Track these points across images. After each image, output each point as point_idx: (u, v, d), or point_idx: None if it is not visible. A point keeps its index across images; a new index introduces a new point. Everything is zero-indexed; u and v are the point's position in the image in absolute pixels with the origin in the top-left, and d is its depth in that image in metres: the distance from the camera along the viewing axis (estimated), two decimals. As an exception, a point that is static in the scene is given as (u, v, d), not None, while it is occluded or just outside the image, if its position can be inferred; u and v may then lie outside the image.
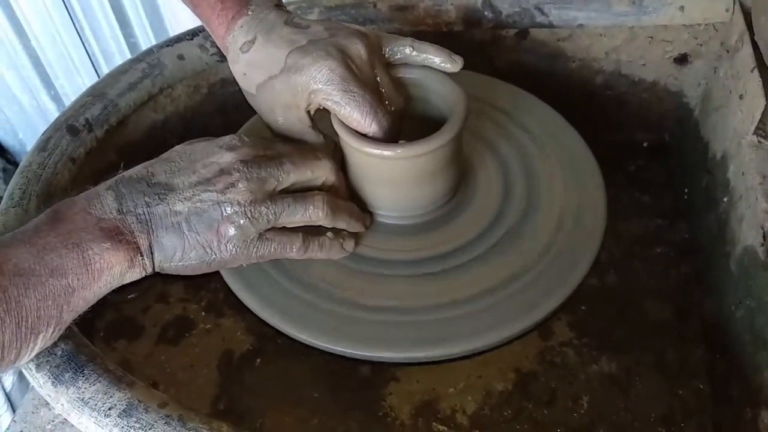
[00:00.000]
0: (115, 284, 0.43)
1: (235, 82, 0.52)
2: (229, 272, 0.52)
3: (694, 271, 0.60)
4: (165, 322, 0.60)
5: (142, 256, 0.43)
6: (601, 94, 0.70)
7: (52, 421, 0.53)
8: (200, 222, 0.43)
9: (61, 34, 1.13)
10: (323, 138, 0.52)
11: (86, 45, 1.15)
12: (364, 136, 0.48)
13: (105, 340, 0.59)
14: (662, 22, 0.64)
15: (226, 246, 0.44)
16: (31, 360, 0.41)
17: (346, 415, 0.53)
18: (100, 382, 0.40)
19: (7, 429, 0.54)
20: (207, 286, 0.62)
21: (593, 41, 0.66)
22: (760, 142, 0.52)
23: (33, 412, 0.54)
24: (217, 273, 0.53)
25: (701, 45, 0.65)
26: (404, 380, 0.54)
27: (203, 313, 0.60)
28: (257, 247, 0.45)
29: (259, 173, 0.45)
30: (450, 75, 0.52)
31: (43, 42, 1.14)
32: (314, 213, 0.47)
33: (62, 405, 0.40)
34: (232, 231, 0.44)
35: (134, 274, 0.43)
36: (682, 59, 0.66)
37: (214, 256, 0.44)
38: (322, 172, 0.48)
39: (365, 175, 0.52)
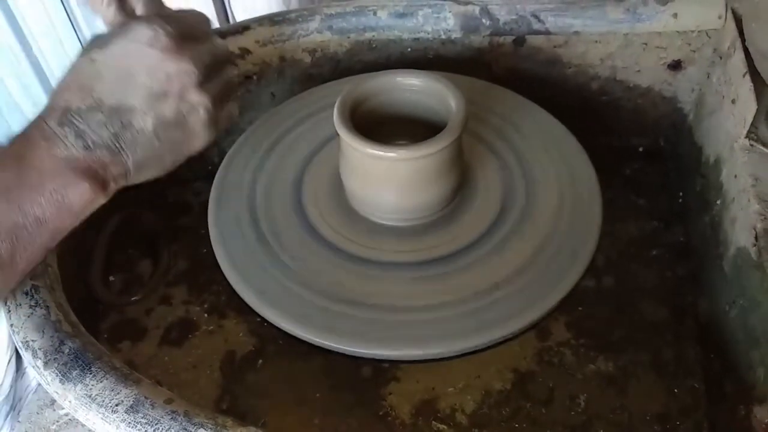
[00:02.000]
0: (89, 212, 0.44)
1: (236, 88, 0.53)
2: (232, 274, 0.52)
3: (689, 273, 0.61)
4: (168, 324, 0.61)
5: (116, 182, 0.44)
6: (596, 99, 0.71)
7: (57, 421, 0.54)
8: (170, 130, 0.45)
9: (63, 42, 1.13)
10: None
11: (88, 53, 1.16)
12: (366, 138, 0.49)
13: (109, 342, 0.60)
14: (656, 29, 0.65)
15: (200, 137, 0.47)
16: (38, 358, 0.42)
17: (348, 415, 0.53)
18: (107, 379, 0.40)
19: (12, 430, 0.54)
20: (209, 288, 0.63)
21: (589, 48, 0.67)
22: (751, 145, 0.54)
23: (37, 413, 0.54)
24: (220, 275, 0.53)
25: (694, 51, 0.66)
26: (404, 380, 0.55)
27: (206, 315, 0.61)
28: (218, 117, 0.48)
29: (198, 67, 0.45)
30: (449, 80, 0.53)
31: (45, 50, 1.15)
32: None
33: (70, 402, 0.41)
34: (199, 126, 0.46)
35: (107, 198, 0.45)
36: (675, 65, 0.67)
37: (188, 150, 0.47)
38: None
39: (367, 177, 0.53)
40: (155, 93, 0.44)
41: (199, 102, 0.45)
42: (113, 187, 0.44)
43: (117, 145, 0.43)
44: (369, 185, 0.53)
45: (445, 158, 0.51)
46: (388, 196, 0.53)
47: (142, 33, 0.43)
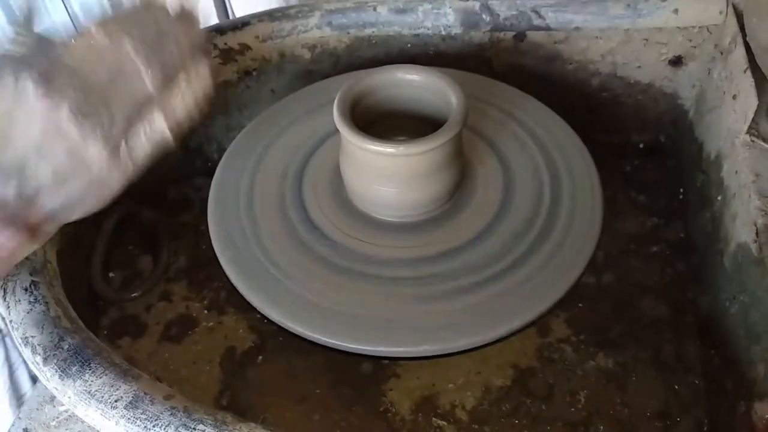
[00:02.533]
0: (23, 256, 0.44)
1: (236, 84, 0.52)
2: (232, 270, 0.52)
3: (689, 269, 0.61)
4: (168, 320, 0.61)
5: (45, 225, 0.43)
6: (597, 95, 0.71)
7: (57, 417, 0.54)
8: (68, 176, 0.42)
9: (62, 38, 1.13)
10: None
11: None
12: (366, 134, 0.49)
13: (109, 339, 0.60)
14: (657, 24, 0.65)
15: (110, 179, 0.43)
16: (38, 353, 0.42)
17: (348, 411, 0.53)
18: (106, 375, 0.40)
19: (12, 425, 0.54)
20: (209, 285, 0.63)
21: (590, 43, 0.67)
22: (752, 141, 0.53)
23: (38, 409, 0.54)
24: (220, 271, 0.53)
25: (695, 47, 0.66)
26: (405, 376, 0.55)
27: (206, 311, 0.61)
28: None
29: (69, 97, 0.40)
30: (449, 75, 0.53)
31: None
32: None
33: (69, 398, 0.41)
34: (102, 165, 0.42)
35: (42, 242, 0.44)
36: (676, 61, 0.67)
37: (107, 187, 0.44)
38: None
39: (367, 173, 0.52)
40: (38, 144, 0.40)
41: (79, 137, 0.40)
42: (46, 230, 0.43)
43: (25, 195, 0.41)
44: (369, 181, 0.53)
45: (446, 154, 0.51)
46: (388, 192, 0.53)
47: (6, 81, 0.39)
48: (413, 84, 0.54)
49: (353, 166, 0.53)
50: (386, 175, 0.52)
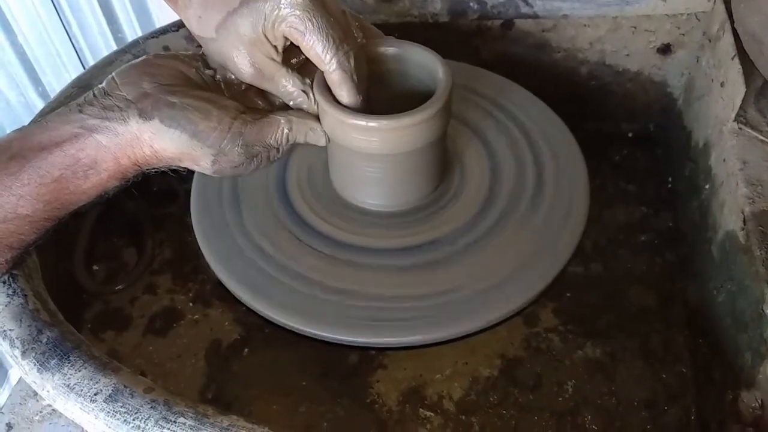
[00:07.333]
0: None
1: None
2: (217, 263, 0.52)
3: (678, 258, 0.61)
4: (153, 313, 0.60)
5: None
6: (586, 84, 0.71)
7: (40, 411, 0.53)
8: None
9: (48, 30, 1.12)
10: (297, 76, 0.47)
11: (73, 41, 1.15)
12: (347, 108, 0.47)
13: (93, 332, 0.59)
14: (645, 12, 0.64)
15: None
16: (16, 347, 0.41)
17: (334, 403, 0.53)
18: (85, 368, 0.40)
19: (-4, 420, 0.54)
20: (194, 277, 0.62)
21: (578, 31, 0.67)
22: (740, 128, 0.53)
23: (21, 404, 0.54)
24: (206, 263, 0.52)
25: (684, 35, 0.65)
26: (392, 367, 0.55)
27: (191, 304, 0.60)
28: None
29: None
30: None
31: (30, 38, 1.13)
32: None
33: (48, 392, 0.40)
34: None
35: None
36: (665, 49, 0.67)
37: None
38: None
39: (350, 152, 0.50)
40: None
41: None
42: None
43: None
44: (352, 160, 0.51)
45: (432, 130, 0.49)
46: (371, 174, 0.51)
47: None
48: (394, 57, 0.52)
49: (334, 149, 0.51)
50: (370, 155, 0.50)
